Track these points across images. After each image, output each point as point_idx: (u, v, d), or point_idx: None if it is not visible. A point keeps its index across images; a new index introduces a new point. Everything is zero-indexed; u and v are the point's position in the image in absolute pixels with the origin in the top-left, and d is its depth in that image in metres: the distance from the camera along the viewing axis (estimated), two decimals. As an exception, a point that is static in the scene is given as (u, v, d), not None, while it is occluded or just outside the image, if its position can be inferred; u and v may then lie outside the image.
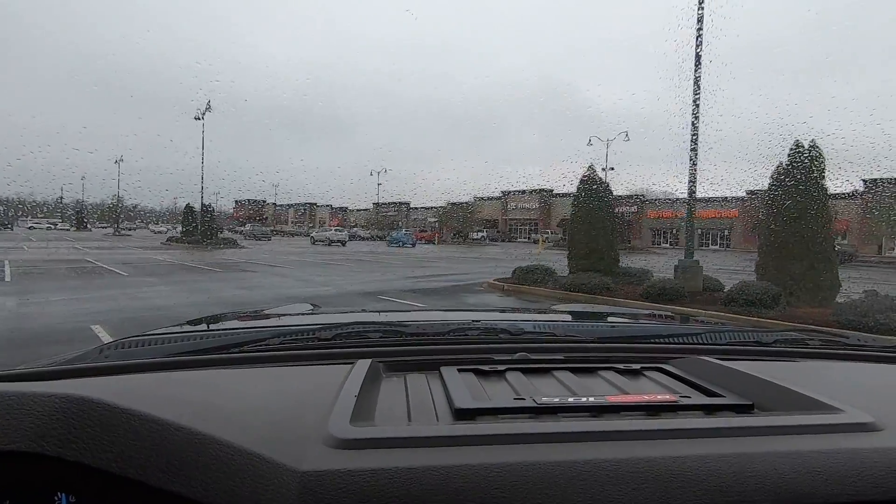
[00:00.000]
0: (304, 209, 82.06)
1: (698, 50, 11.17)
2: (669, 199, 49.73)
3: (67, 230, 52.69)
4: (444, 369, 0.90)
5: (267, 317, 1.68)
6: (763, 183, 10.50)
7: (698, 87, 11.11)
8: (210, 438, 0.55)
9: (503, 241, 56.76)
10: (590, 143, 33.11)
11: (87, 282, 12.46)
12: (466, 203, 55.14)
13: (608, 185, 13.68)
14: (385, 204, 66.29)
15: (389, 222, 64.18)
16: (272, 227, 61.17)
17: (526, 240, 56.26)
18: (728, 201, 47.40)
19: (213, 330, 1.32)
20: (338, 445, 0.58)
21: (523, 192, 61.26)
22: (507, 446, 0.59)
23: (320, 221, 76.59)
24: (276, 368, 0.94)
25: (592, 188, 13.08)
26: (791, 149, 9.92)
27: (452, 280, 15.27)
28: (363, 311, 2.09)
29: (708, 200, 45.92)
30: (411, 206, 70.30)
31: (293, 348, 1.06)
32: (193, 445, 0.54)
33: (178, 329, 1.31)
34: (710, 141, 12.01)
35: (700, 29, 11.14)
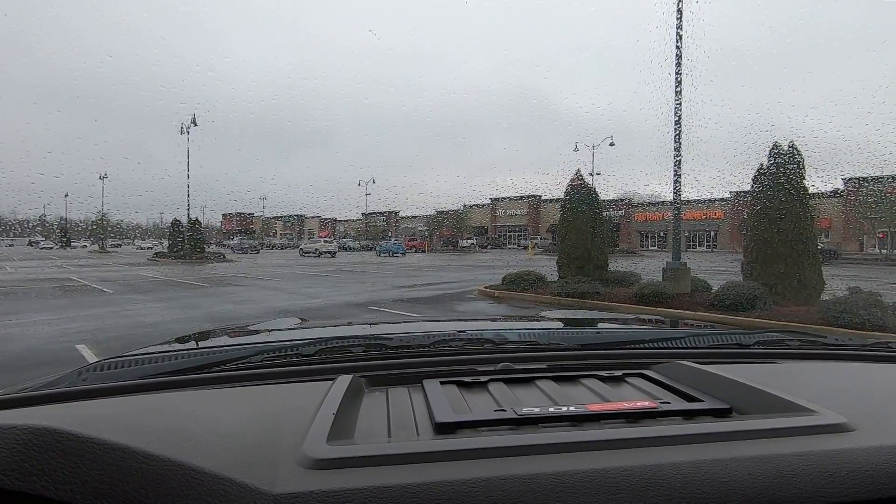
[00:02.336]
0: (293, 221, 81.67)
1: (677, 69, 11.23)
2: (656, 202, 50.24)
3: (51, 248, 51.90)
4: (426, 382, 0.89)
5: (253, 332, 1.66)
6: (747, 184, 10.65)
7: (679, 93, 11.24)
8: (178, 464, 0.54)
9: (493, 247, 56.88)
10: (576, 150, 33.39)
11: (72, 300, 12.28)
12: (456, 210, 55.23)
13: (595, 190, 13.81)
14: (374, 213, 66.17)
15: (379, 232, 64.02)
16: (261, 240, 60.77)
17: (515, 246, 56.42)
18: (714, 203, 47.99)
19: (193, 349, 1.30)
20: (313, 466, 0.57)
21: (512, 198, 61.53)
22: (487, 460, 0.59)
23: (309, 233, 76.24)
24: (254, 387, 0.93)
25: (579, 193, 13.20)
26: (771, 150, 10.09)
27: (443, 288, 15.24)
28: (349, 323, 2.08)
29: (694, 202, 46.48)
30: (400, 214, 70.22)
31: (274, 365, 1.05)
32: (161, 472, 0.53)
33: (159, 348, 1.28)
34: (694, 144, 12.17)
35: (679, 35, 11.30)
